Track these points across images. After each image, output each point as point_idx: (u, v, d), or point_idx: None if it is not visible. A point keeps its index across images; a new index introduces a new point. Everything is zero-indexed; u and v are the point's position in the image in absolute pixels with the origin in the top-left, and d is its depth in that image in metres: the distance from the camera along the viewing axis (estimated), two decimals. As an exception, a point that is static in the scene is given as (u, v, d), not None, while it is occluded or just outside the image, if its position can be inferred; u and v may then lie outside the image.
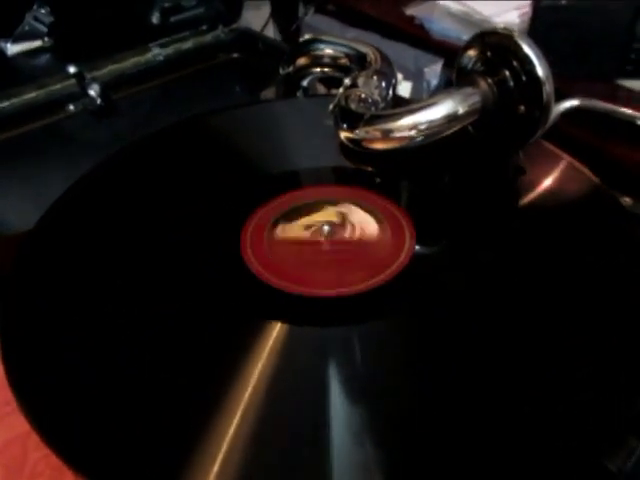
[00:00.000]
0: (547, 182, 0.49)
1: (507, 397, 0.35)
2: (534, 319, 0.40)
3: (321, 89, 0.62)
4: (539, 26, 0.73)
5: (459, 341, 0.38)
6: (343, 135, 0.49)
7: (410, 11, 0.82)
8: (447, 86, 0.78)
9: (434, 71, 0.77)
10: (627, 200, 0.48)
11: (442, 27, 0.80)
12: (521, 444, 0.33)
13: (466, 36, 0.78)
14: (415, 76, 0.76)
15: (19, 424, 0.37)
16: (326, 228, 0.46)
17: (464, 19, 0.78)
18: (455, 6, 0.79)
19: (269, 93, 0.63)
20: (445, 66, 0.79)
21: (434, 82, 0.78)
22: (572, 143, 0.52)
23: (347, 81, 0.51)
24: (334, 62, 0.55)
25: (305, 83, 0.58)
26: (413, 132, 0.47)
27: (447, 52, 0.79)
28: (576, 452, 0.32)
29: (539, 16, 0.74)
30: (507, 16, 0.77)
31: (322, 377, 0.36)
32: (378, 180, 0.51)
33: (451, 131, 0.47)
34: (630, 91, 0.72)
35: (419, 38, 0.80)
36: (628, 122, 0.52)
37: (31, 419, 0.34)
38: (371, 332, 0.40)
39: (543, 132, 0.47)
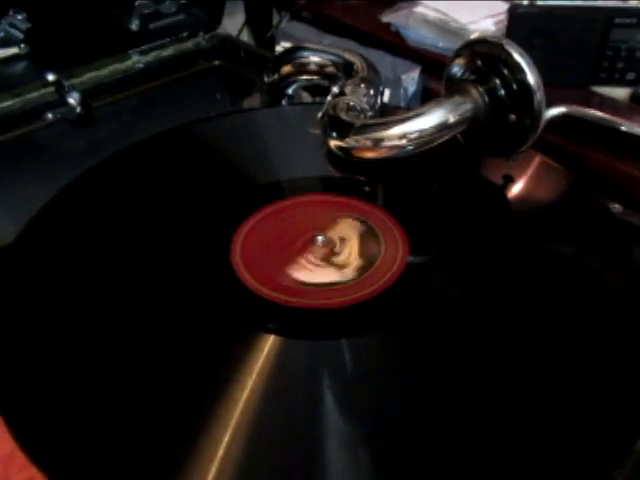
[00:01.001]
0: (534, 189, 0.49)
1: (510, 407, 0.35)
2: (532, 325, 0.39)
3: (305, 97, 0.62)
4: (514, 34, 0.73)
5: (458, 350, 0.38)
6: (333, 144, 0.48)
7: (386, 18, 0.82)
8: (424, 93, 0.78)
9: (411, 78, 0.77)
10: (617, 207, 0.48)
11: (418, 34, 0.79)
12: (526, 457, 0.32)
13: (442, 43, 0.79)
14: (393, 83, 0.76)
15: (1, 447, 0.36)
16: (320, 238, 0.45)
17: (440, 26, 0.78)
18: (431, 13, 0.79)
19: (251, 101, 0.62)
20: (422, 73, 0.78)
21: (412, 89, 0.77)
22: (555, 151, 0.52)
23: (335, 89, 0.51)
24: (320, 70, 0.55)
25: (290, 91, 0.57)
26: (404, 141, 0.46)
27: (424, 59, 0.78)
28: (582, 462, 0.32)
29: (514, 24, 0.73)
30: (483, 24, 0.76)
31: (317, 389, 0.36)
32: (367, 189, 0.50)
33: (442, 140, 0.47)
34: (603, 97, 0.72)
35: (395, 45, 0.80)
36: (612, 130, 0.52)
37: (17, 437, 0.32)
38: (367, 343, 0.39)
39: (533, 140, 0.47)
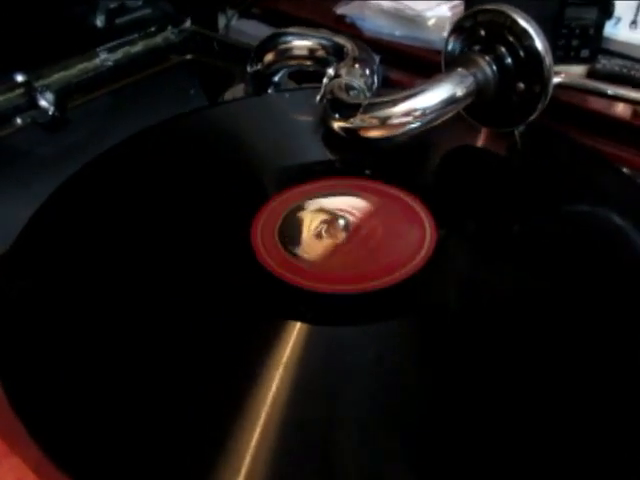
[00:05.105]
0: (544, 158, 0.48)
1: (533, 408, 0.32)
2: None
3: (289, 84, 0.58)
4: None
5: (500, 336, 0.35)
6: (337, 125, 0.45)
7: (341, 10, 0.79)
8: (384, 83, 0.76)
9: (372, 68, 0.74)
10: (626, 170, 0.47)
11: (375, 24, 0.77)
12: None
13: (399, 32, 0.77)
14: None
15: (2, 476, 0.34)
16: (341, 222, 0.41)
17: (396, 15, 0.76)
18: (386, 3, 0.76)
19: (232, 92, 0.58)
20: (381, 63, 0.76)
21: (372, 79, 0.75)
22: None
23: (330, 71, 0.47)
24: (310, 54, 0.51)
25: (277, 78, 0.53)
26: (412, 118, 0.43)
27: (382, 49, 0.76)
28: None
29: (471, 7, 0.72)
30: (439, 10, 0.75)
31: (346, 377, 0.33)
32: (368, 171, 0.47)
33: (449, 115, 0.45)
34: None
35: (352, 37, 0.77)
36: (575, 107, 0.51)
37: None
38: (401, 329, 0.36)
39: (543, 108, 0.45)
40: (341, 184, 0.45)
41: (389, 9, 0.76)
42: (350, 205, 0.43)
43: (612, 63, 0.71)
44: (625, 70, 0.68)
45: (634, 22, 0.72)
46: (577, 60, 0.72)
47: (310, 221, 0.42)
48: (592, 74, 0.70)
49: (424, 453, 0.30)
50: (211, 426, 0.30)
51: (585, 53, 0.72)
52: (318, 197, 0.43)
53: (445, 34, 0.74)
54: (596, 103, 0.65)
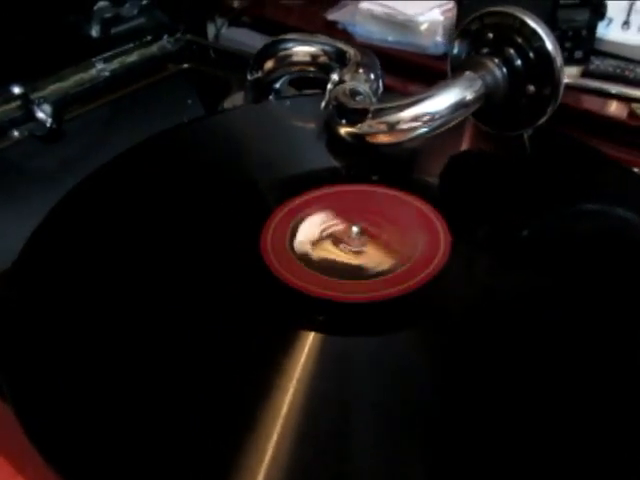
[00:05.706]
0: (552, 161, 0.47)
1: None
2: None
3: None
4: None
5: (510, 345, 0.34)
6: (344, 131, 0.44)
7: (332, 16, 0.78)
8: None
9: (364, 74, 0.73)
10: (636, 170, 0.46)
11: (366, 30, 0.76)
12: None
13: (391, 37, 0.76)
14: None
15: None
16: (354, 229, 0.40)
17: (388, 20, 0.75)
18: (377, 8, 0.76)
19: (232, 100, 0.57)
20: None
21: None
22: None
23: (335, 77, 0.46)
24: (313, 60, 0.50)
25: (278, 85, 0.52)
26: (419, 123, 0.43)
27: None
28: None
29: (464, 12, 0.72)
30: (430, 14, 0.74)
31: (360, 387, 0.32)
32: (375, 177, 0.46)
33: (458, 120, 0.44)
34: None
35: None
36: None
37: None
38: (413, 338, 0.35)
39: (553, 111, 0.44)
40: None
41: (380, 15, 0.75)
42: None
43: (605, 64, 0.71)
44: (619, 70, 0.68)
45: (626, 23, 0.72)
46: (570, 61, 0.71)
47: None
48: (586, 75, 0.70)
49: (441, 466, 0.29)
50: (223, 440, 0.29)
51: (578, 54, 0.72)
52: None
53: (438, 38, 0.74)
54: (590, 103, 0.65)
